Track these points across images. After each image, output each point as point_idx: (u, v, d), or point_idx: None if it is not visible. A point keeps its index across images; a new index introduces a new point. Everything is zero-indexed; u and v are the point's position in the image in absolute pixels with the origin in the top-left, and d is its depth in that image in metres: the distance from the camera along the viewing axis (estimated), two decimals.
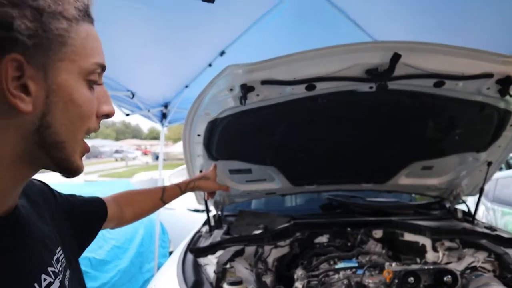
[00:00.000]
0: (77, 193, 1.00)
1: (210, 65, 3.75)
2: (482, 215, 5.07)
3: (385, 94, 1.73)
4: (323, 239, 2.58)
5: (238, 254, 2.17)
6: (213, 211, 2.83)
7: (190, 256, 2.15)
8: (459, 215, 2.77)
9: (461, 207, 2.88)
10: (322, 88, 1.71)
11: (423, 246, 2.40)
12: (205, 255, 2.15)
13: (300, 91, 1.73)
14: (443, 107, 1.91)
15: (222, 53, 3.73)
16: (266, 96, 1.75)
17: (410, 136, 2.21)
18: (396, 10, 2.76)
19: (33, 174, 0.62)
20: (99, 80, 0.62)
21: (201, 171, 2.41)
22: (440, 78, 1.63)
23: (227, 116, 1.93)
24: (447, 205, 2.92)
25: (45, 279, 0.60)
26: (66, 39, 0.54)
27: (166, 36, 3.11)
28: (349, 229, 2.56)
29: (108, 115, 0.65)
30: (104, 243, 3.97)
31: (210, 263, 2.03)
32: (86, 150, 0.64)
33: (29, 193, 0.71)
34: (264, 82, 1.65)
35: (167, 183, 7.07)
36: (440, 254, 2.26)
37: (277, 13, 3.25)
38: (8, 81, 0.49)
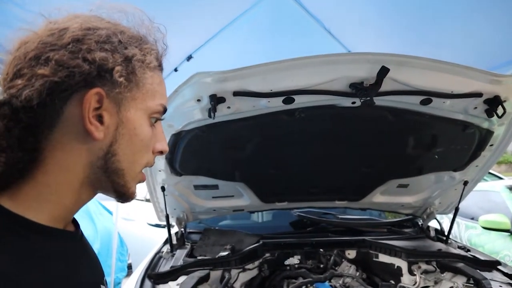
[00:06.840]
0: None
1: (176, 69, 3.51)
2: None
3: (367, 110, 1.59)
4: (294, 260, 2.41)
5: (203, 280, 1.96)
6: (176, 228, 2.59)
7: (148, 283, 1.91)
8: (432, 233, 2.69)
9: (432, 223, 2.80)
10: (301, 101, 1.55)
11: (399, 268, 2.29)
12: (166, 282, 1.92)
13: (276, 104, 1.55)
14: (426, 125, 1.80)
15: (189, 58, 3.51)
16: (238, 109, 1.56)
17: (389, 153, 2.09)
18: (373, 21, 2.65)
19: (92, 198, 0.68)
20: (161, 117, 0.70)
21: (163, 188, 2.18)
22: (429, 96, 1.51)
23: (193, 129, 1.72)
24: (420, 222, 2.83)
25: None
26: (143, 83, 0.64)
27: None
28: (321, 250, 2.41)
29: (162, 152, 0.70)
30: None
31: None
32: (142, 179, 0.70)
33: None
34: (237, 94, 1.46)
35: None
36: (417, 277, 2.15)
37: (249, 18, 3.07)
38: (90, 110, 0.58)
